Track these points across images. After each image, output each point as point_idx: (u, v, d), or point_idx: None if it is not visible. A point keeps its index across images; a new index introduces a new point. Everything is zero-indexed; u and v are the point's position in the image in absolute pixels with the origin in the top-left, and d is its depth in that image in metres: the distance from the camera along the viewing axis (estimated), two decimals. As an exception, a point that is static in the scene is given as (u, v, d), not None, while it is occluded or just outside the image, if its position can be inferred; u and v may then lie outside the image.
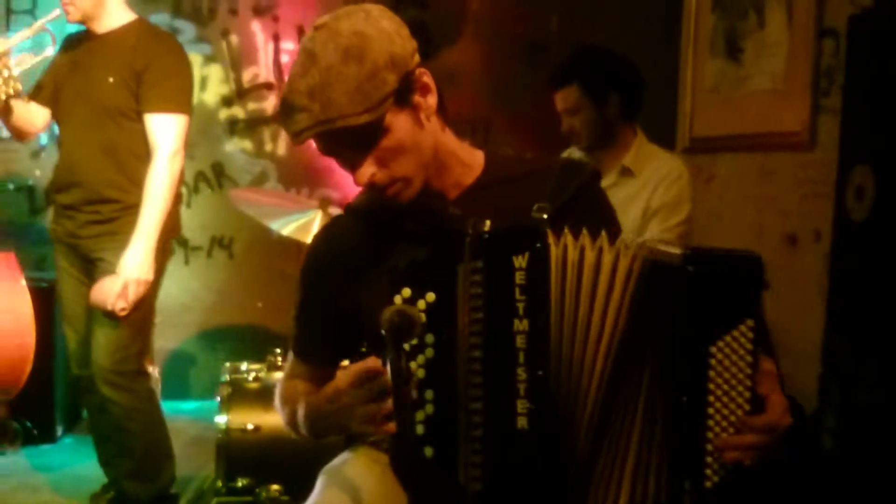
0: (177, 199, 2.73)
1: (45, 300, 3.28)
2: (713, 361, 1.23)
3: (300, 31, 4.06)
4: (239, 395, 2.57)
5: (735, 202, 3.70)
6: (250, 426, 2.51)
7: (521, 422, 1.25)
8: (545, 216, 1.39)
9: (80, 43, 2.71)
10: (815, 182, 3.15)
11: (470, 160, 1.51)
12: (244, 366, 2.72)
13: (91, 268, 2.68)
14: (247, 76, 4.15)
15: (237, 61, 4.14)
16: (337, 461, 1.54)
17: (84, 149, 2.66)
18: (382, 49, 1.30)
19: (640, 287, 1.26)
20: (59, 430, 3.61)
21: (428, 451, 1.28)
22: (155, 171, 2.61)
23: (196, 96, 4.09)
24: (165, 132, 2.64)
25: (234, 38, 4.12)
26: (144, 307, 2.67)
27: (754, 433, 1.23)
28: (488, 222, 1.32)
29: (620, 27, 4.08)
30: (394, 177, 1.38)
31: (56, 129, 2.85)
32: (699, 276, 1.22)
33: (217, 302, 4.18)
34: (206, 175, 4.15)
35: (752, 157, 3.56)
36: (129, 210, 2.63)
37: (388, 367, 1.18)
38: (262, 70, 4.13)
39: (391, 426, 1.24)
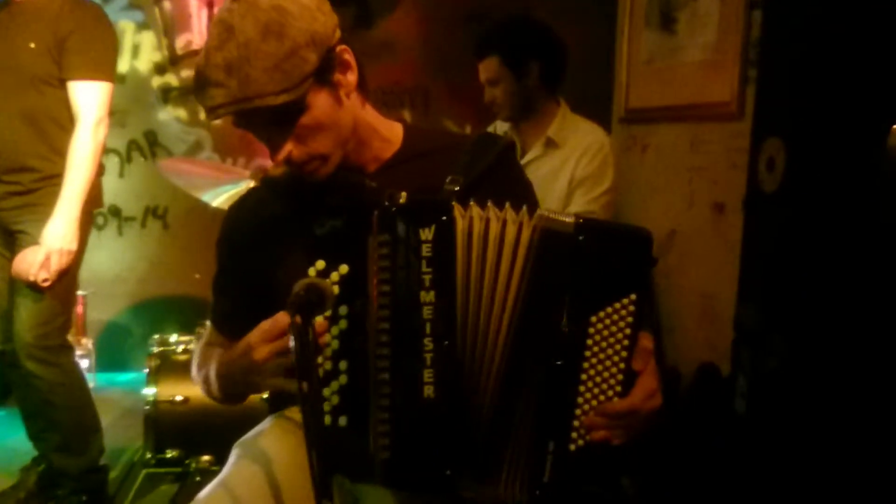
0: (99, 170, 2.69)
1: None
2: (592, 330, 1.27)
3: None
4: (167, 366, 2.57)
5: (669, 172, 3.75)
6: (179, 398, 2.50)
7: (428, 391, 1.28)
8: (457, 188, 1.41)
9: (1, 7, 2.63)
10: (742, 152, 3.20)
11: (389, 134, 1.52)
12: (173, 337, 2.71)
13: (11, 241, 2.63)
14: (180, 43, 4.08)
15: (170, 28, 4.06)
16: (251, 433, 1.55)
17: (3, 117, 2.59)
18: (303, 26, 1.29)
19: (537, 256, 1.29)
20: (-4, 401, 3.56)
21: (342, 421, 1.30)
22: (78, 140, 2.57)
23: (128, 64, 4.04)
24: (89, 100, 2.60)
25: (166, 5, 4.04)
26: (67, 279, 2.63)
27: (616, 418, 1.26)
28: (404, 195, 1.34)
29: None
30: (311, 154, 1.38)
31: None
32: (587, 246, 1.27)
33: (152, 273, 4.14)
34: (140, 144, 4.09)
35: (685, 127, 3.60)
36: (50, 180, 2.58)
37: (294, 342, 1.19)
38: (195, 37, 4.07)
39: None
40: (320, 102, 1.34)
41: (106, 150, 3.93)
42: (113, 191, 4.05)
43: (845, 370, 1.65)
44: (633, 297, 1.27)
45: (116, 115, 3.94)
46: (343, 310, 1.29)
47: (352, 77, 1.39)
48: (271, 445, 1.47)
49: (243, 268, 1.52)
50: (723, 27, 3.29)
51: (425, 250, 1.28)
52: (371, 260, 1.29)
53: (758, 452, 1.80)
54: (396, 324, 1.28)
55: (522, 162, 2.73)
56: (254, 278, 1.48)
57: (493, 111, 2.73)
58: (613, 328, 1.27)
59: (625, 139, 4.12)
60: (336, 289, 1.29)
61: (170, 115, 4.10)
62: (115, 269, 4.11)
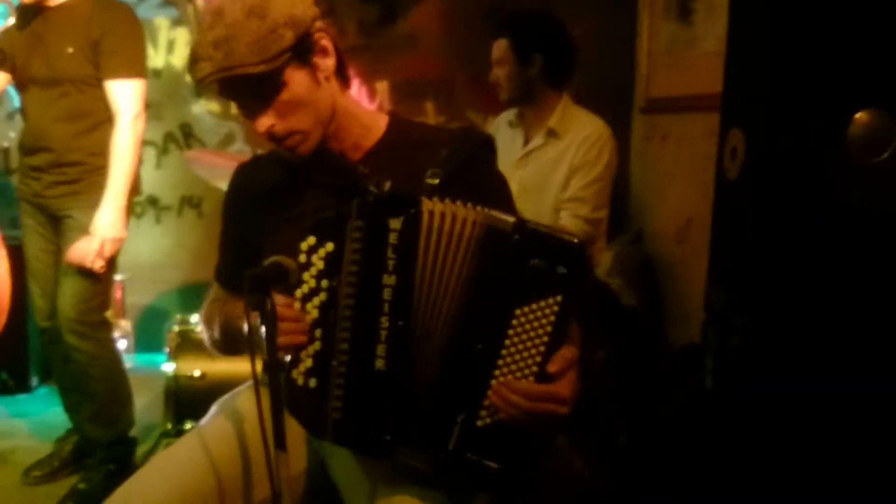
0: (137, 161, 2.87)
1: (20, 257, 3.41)
2: (514, 322, 1.38)
3: (264, -5, 4.16)
4: (186, 344, 2.73)
5: (686, 161, 3.81)
6: (197, 373, 2.67)
7: (380, 364, 1.41)
8: (436, 182, 1.53)
9: (35, 15, 2.80)
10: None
11: (371, 123, 1.64)
12: (194, 318, 2.87)
13: (58, 225, 2.83)
14: (213, 39, 4.23)
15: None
16: (230, 393, 1.70)
17: (49, 116, 2.80)
18: (283, 10, 1.45)
19: (477, 249, 1.40)
20: (35, 381, 3.79)
21: (312, 382, 1.44)
22: (119, 135, 2.75)
23: (164, 59, 4.22)
24: (125, 97, 2.77)
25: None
26: (110, 262, 2.82)
27: (518, 395, 1.35)
28: (389, 183, 1.47)
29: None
30: (291, 129, 1.52)
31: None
32: (521, 244, 1.38)
33: (188, 259, 4.32)
34: (175, 136, 4.27)
35: (701, 116, 3.65)
36: (93, 172, 2.78)
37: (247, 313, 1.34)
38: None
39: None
40: (298, 80, 1.49)
41: (143, 142, 4.17)
42: (150, 181, 4.25)
43: (804, 349, 1.74)
44: (559, 298, 1.36)
45: (152, 108, 4.13)
46: (324, 283, 1.43)
47: (330, 62, 1.53)
48: (244, 404, 1.62)
49: (244, 230, 1.67)
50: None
51: (392, 238, 1.41)
52: (347, 241, 1.42)
53: (724, 427, 1.89)
54: (359, 301, 1.41)
55: (526, 150, 2.84)
56: (253, 241, 1.62)
57: (496, 90, 2.85)
58: (536, 324, 1.37)
59: (645, 129, 4.19)
60: (322, 264, 1.43)
61: (203, 109, 4.27)
62: (153, 255, 4.30)
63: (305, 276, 1.43)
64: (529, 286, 1.38)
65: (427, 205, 1.42)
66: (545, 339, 1.37)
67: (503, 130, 2.98)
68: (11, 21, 2.86)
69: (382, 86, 4.23)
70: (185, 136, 4.27)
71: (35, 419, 3.48)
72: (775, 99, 1.78)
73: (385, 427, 1.43)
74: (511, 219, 1.40)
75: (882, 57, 1.73)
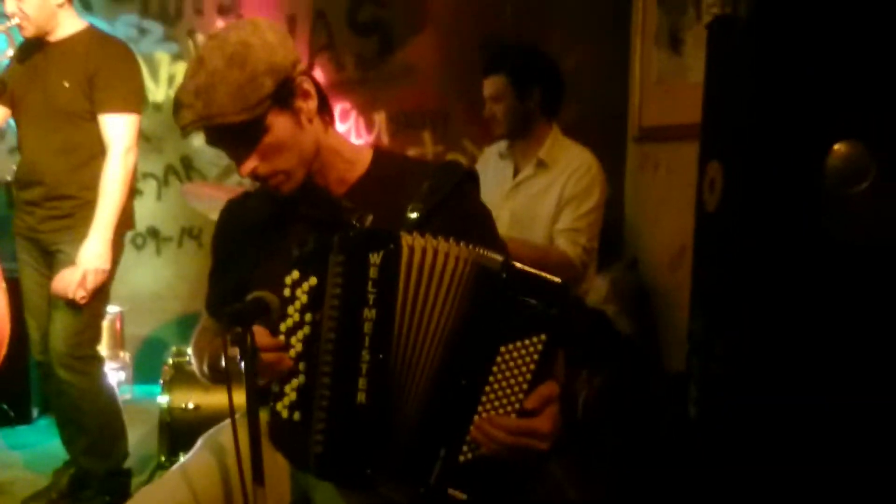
0: (130, 194, 2.91)
1: (19, 290, 3.46)
2: (499, 359, 1.41)
3: (263, 30, 4.23)
4: (180, 376, 2.76)
5: (679, 189, 3.83)
6: (191, 405, 2.70)
7: (361, 397, 1.44)
8: (416, 215, 1.57)
9: (36, 50, 2.87)
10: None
11: (355, 158, 1.68)
12: (189, 349, 2.90)
13: (51, 259, 2.86)
14: (212, 74, 4.30)
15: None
16: (216, 428, 1.73)
17: (44, 149, 2.84)
18: (263, 58, 1.48)
19: (465, 287, 1.43)
20: (35, 412, 3.81)
21: (296, 416, 1.46)
22: (110, 168, 2.79)
23: (164, 93, 4.29)
24: (118, 131, 2.82)
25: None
26: (100, 296, 2.85)
27: (498, 430, 1.39)
28: (370, 217, 1.51)
29: (574, 22, 4.23)
30: (275, 170, 1.55)
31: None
32: (508, 283, 1.42)
33: (187, 290, 4.35)
34: (176, 168, 4.32)
35: (692, 145, 3.67)
36: (86, 206, 2.81)
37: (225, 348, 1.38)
38: (227, 67, 4.29)
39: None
40: (281, 124, 1.52)
41: (144, 175, 4.25)
42: (151, 213, 4.31)
43: (785, 376, 1.76)
44: (543, 337, 1.40)
45: (153, 141, 4.22)
46: (308, 317, 1.46)
47: (312, 104, 1.56)
48: (227, 438, 1.62)
49: (233, 263, 1.70)
50: (725, 48, 3.40)
51: (372, 272, 1.44)
52: (329, 275, 1.45)
53: (708, 454, 1.91)
54: (341, 334, 1.44)
55: (516, 181, 2.89)
56: (241, 274, 1.65)
57: (491, 126, 2.90)
58: (519, 361, 1.41)
59: (638, 157, 4.23)
60: (305, 298, 1.46)
61: (203, 142, 4.30)
62: (153, 286, 4.34)
63: (290, 310, 1.46)
64: (514, 324, 1.41)
65: (407, 240, 1.45)
66: (528, 376, 1.41)
67: (493, 161, 3.02)
68: (10, 52, 2.92)
69: (380, 117, 4.29)
70: (186, 168, 4.33)
71: (34, 451, 3.50)
72: (752, 131, 1.82)
73: (366, 460, 1.46)
74: (499, 258, 1.44)
75: (858, 89, 1.77)
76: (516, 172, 2.91)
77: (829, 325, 1.78)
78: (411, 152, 4.25)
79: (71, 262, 2.77)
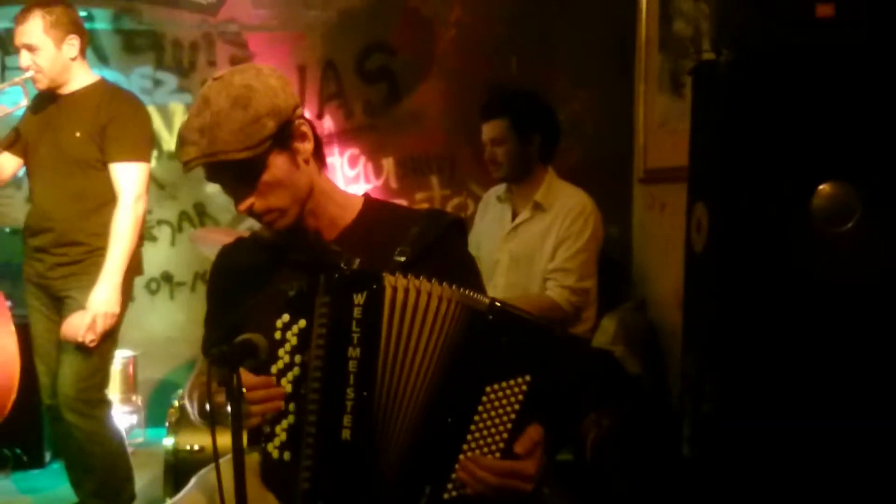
0: (139, 241, 2.98)
1: (29, 335, 3.52)
2: (484, 399, 1.44)
3: (274, 79, 4.33)
4: (186, 418, 2.80)
5: (684, 229, 3.87)
6: (196, 446, 2.73)
7: (346, 434, 1.47)
8: (403, 259, 1.61)
9: (49, 102, 2.98)
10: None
11: (346, 203, 1.74)
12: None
13: (60, 305, 2.93)
14: (224, 123, 4.40)
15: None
16: (208, 467, 1.75)
17: (55, 196, 2.93)
18: (266, 101, 1.55)
19: (451, 327, 1.47)
20: (48, 456, 3.85)
21: (286, 455, 1.50)
22: (120, 214, 2.87)
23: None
24: (129, 179, 2.90)
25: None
26: (109, 340, 2.91)
27: (482, 470, 1.42)
28: (358, 260, 1.56)
29: (578, 67, 4.31)
30: (269, 207, 1.61)
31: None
32: (494, 325, 1.45)
33: (200, 334, 4.38)
34: (189, 215, 4.41)
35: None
36: (95, 252, 2.89)
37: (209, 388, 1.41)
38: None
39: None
40: (279, 164, 1.58)
41: (159, 222, 4.34)
42: (165, 258, 4.39)
43: (773, 413, 1.77)
44: (528, 378, 1.43)
45: (167, 188, 4.31)
46: (297, 358, 1.50)
47: (308, 146, 1.63)
48: (224, 478, 1.67)
49: (226, 307, 1.74)
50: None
51: (356, 312, 1.48)
52: (316, 316, 1.50)
53: (701, 491, 1.92)
54: (326, 373, 1.48)
55: (514, 224, 2.93)
56: (233, 318, 1.67)
57: (490, 169, 2.95)
58: (504, 401, 1.44)
59: (645, 198, 4.26)
60: (295, 340, 1.50)
61: (216, 188, 4.36)
62: (167, 330, 4.40)
63: (280, 352, 1.51)
64: (500, 365, 1.45)
65: (390, 280, 1.49)
66: (513, 416, 1.44)
67: (493, 205, 3.08)
68: (23, 102, 3.02)
69: (388, 162, 4.37)
70: (199, 214, 4.41)
71: (46, 495, 3.54)
72: (737, 173, 1.86)
73: (352, 496, 1.48)
74: (486, 300, 1.48)
75: (843, 129, 1.81)
76: (514, 216, 2.96)
77: (818, 363, 1.79)
78: (419, 196, 4.32)
79: (80, 307, 2.83)
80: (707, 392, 1.84)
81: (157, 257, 4.33)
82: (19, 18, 2.90)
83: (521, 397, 1.44)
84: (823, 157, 1.80)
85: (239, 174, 1.57)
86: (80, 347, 2.83)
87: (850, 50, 1.78)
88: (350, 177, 4.35)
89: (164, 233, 4.39)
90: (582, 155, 4.19)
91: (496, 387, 1.44)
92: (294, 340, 1.50)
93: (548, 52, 4.33)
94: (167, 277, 4.42)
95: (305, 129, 1.63)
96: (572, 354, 2.82)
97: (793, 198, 1.76)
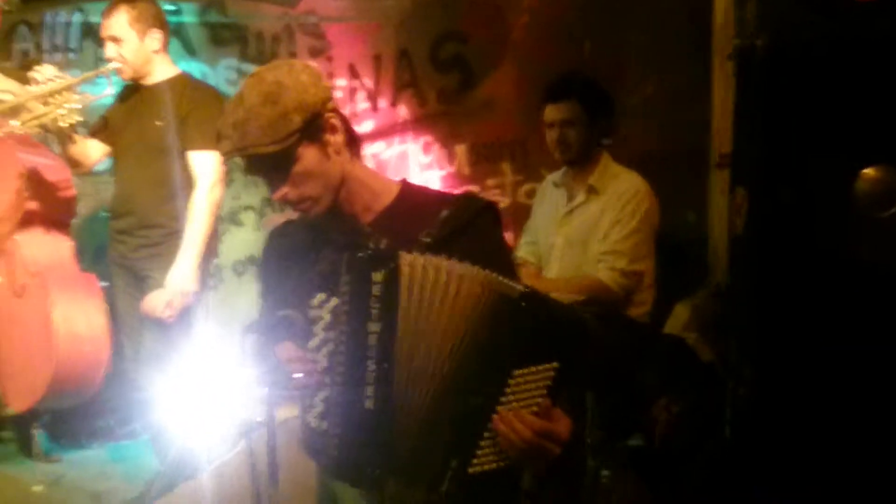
0: (214, 225, 3.14)
1: (115, 313, 3.73)
2: (511, 381, 1.49)
3: (351, 69, 4.44)
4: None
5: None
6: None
7: (368, 403, 1.55)
8: (428, 240, 1.68)
9: (134, 92, 3.19)
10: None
11: (381, 189, 1.82)
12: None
13: (142, 284, 3.13)
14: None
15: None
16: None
17: (137, 182, 3.14)
18: (294, 96, 1.64)
19: (480, 309, 1.53)
20: (139, 429, 4.09)
21: (323, 425, 1.59)
22: (197, 199, 3.05)
23: (261, 131, 4.55)
24: (205, 166, 3.07)
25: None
26: (186, 316, 3.09)
27: (526, 426, 1.47)
28: (385, 241, 1.64)
29: (652, 50, 4.25)
30: (303, 196, 1.71)
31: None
32: (526, 312, 1.50)
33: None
34: (271, 200, 4.58)
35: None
36: (173, 235, 3.07)
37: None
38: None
39: None
40: (309, 155, 1.68)
41: (245, 207, 4.52)
42: (251, 241, 4.56)
43: (811, 398, 1.77)
44: (556, 365, 1.48)
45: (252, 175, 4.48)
46: (331, 334, 1.59)
47: (339, 137, 1.72)
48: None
49: (276, 286, 1.85)
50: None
51: (375, 290, 1.56)
52: (340, 294, 1.58)
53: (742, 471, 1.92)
54: (350, 346, 1.57)
55: (569, 207, 2.96)
56: (282, 296, 1.78)
57: (557, 151, 2.95)
58: (531, 385, 1.49)
59: (721, 183, 4.17)
60: (328, 316, 1.60)
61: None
62: (253, 309, 4.58)
63: (316, 328, 1.60)
64: (528, 349, 1.49)
65: (406, 258, 1.56)
66: (539, 400, 1.49)
67: (550, 190, 3.11)
68: (108, 91, 3.22)
69: (461, 149, 4.42)
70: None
71: (135, 463, 3.77)
72: (778, 157, 1.85)
73: (374, 462, 1.57)
74: (518, 286, 1.53)
75: (887, 116, 1.78)
76: (569, 199, 2.98)
77: (858, 346, 1.77)
78: (490, 182, 4.36)
79: (159, 286, 3.02)
80: (745, 376, 1.84)
81: (243, 241, 4.51)
82: (106, 12, 3.10)
83: (548, 383, 1.49)
84: (867, 141, 1.78)
85: (271, 166, 1.68)
86: (160, 324, 3.01)
87: (894, 36, 1.75)
88: (424, 164, 4.43)
89: (249, 217, 4.57)
90: (657, 140, 4.14)
91: (524, 370, 1.49)
92: (327, 317, 1.59)
93: (621, 36, 4.29)
94: (252, 260, 4.60)
95: (335, 121, 1.71)
96: (619, 341, 2.80)
97: (835, 182, 1.74)
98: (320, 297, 1.60)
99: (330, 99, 1.73)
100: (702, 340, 3.81)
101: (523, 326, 1.50)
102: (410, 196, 1.83)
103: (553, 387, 1.49)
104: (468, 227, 1.73)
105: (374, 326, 1.56)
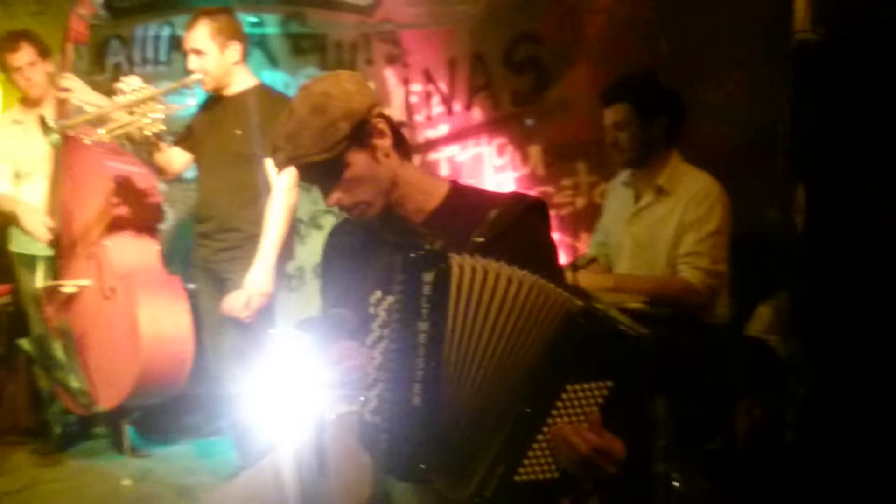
0: (290, 228, 3.24)
1: (196, 314, 3.86)
2: (563, 395, 1.52)
3: (426, 75, 4.50)
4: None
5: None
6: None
7: (416, 400, 1.59)
8: (480, 241, 1.72)
9: (215, 103, 3.33)
10: None
11: (431, 189, 1.86)
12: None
13: (222, 286, 3.25)
14: (379, 117, 4.62)
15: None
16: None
17: (218, 188, 3.26)
18: (341, 105, 1.71)
19: (536, 318, 1.56)
20: (226, 426, 4.23)
21: (377, 420, 1.64)
22: (273, 204, 3.15)
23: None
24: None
25: (371, 84, 4.60)
26: (264, 316, 3.18)
27: (583, 440, 1.47)
28: (440, 242, 1.68)
29: (730, 49, 4.16)
30: (356, 201, 1.77)
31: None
32: (583, 328, 1.52)
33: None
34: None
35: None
36: (251, 239, 3.18)
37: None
38: (395, 111, 4.53)
39: None
40: (359, 161, 1.74)
41: (324, 211, 4.62)
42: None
43: (873, 397, 1.72)
44: (609, 383, 1.50)
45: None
46: (386, 332, 1.64)
47: (387, 141, 1.78)
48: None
49: (335, 283, 1.93)
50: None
51: (426, 289, 1.60)
52: (394, 293, 1.63)
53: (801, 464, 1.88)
54: (401, 344, 1.61)
55: (637, 207, 2.93)
56: (341, 292, 1.87)
57: (613, 154, 2.95)
58: (583, 402, 1.51)
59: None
60: (384, 314, 1.64)
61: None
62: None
63: (374, 325, 1.65)
64: (582, 366, 1.52)
65: (456, 260, 1.60)
66: (591, 416, 1.50)
67: (618, 190, 3.09)
68: (190, 100, 3.36)
69: (535, 150, 4.42)
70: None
71: (221, 459, 3.92)
72: (836, 153, 1.81)
73: (420, 457, 1.60)
74: (580, 302, 1.54)
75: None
76: (637, 200, 2.95)
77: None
78: (565, 182, 4.34)
79: (238, 287, 3.13)
80: (804, 376, 1.80)
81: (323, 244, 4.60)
82: (188, 26, 3.24)
83: (600, 400, 1.50)
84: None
85: (324, 174, 1.75)
86: (239, 323, 3.12)
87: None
88: (498, 166, 4.45)
89: (329, 221, 4.66)
90: (737, 138, 4.05)
91: (577, 386, 1.51)
92: (383, 315, 1.63)
93: (699, 34, 4.20)
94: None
95: (382, 126, 1.77)
96: (692, 345, 2.74)
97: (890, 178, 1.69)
98: (377, 295, 1.65)
99: (376, 104, 1.79)
100: (783, 342, 3.73)
101: (577, 341, 1.52)
102: (460, 196, 1.87)
103: (605, 405, 1.50)
104: (516, 225, 1.76)
105: (423, 325, 1.60)
